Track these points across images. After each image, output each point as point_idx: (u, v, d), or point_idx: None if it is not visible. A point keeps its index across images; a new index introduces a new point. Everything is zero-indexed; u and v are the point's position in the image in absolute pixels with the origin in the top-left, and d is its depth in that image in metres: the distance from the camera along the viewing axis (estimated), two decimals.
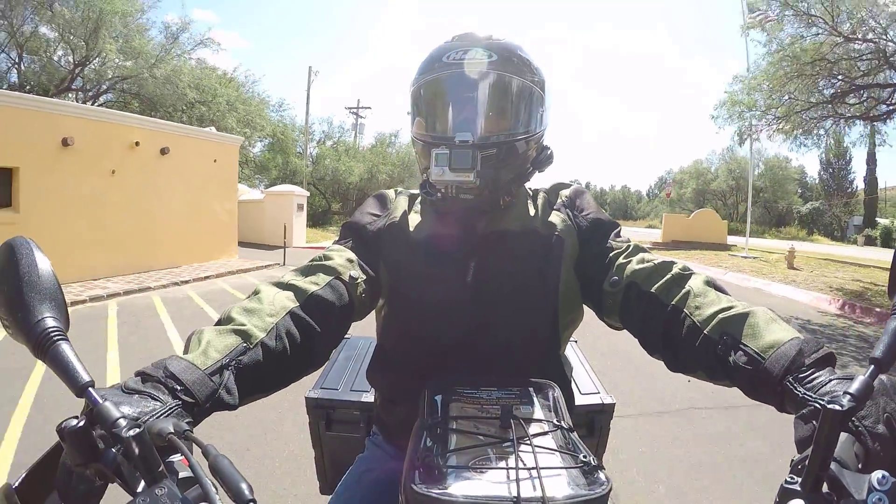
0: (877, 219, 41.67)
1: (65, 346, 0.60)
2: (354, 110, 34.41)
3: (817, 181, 50.02)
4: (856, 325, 8.41)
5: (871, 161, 42.03)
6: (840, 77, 9.52)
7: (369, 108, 44.78)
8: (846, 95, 9.88)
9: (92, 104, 16.48)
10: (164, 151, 11.15)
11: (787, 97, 9.98)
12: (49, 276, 0.63)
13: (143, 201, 10.73)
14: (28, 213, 8.73)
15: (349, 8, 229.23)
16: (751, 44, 10.51)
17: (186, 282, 10.19)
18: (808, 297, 10.51)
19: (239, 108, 19.01)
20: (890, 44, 8.89)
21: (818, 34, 9.09)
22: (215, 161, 12.83)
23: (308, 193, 20.53)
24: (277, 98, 45.69)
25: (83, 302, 8.01)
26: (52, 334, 0.60)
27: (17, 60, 17.13)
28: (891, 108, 10.12)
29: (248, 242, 16.54)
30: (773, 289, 11.50)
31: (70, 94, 17.41)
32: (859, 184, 46.23)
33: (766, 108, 10.20)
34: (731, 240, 23.48)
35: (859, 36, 8.56)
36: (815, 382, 0.67)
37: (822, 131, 11.39)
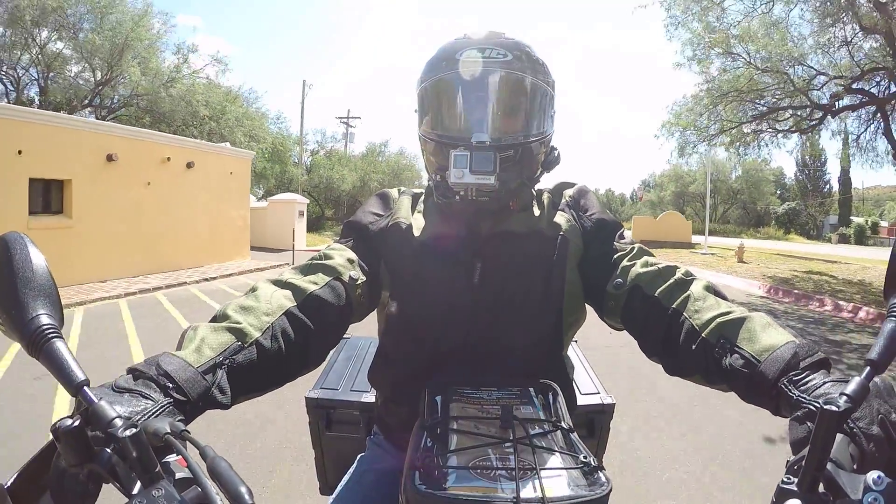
0: (851, 217, 43.57)
1: (59, 344, 0.58)
2: (345, 120, 35.75)
3: (794, 182, 51.72)
4: (772, 303, 10.34)
5: (846, 162, 43.43)
6: (765, 100, 11.40)
7: (359, 118, 46.18)
8: (765, 116, 11.76)
9: (105, 119, 18.04)
10: (189, 165, 12.74)
11: (717, 118, 11.88)
12: (44, 273, 0.62)
13: (173, 209, 12.29)
14: (79, 219, 10.23)
15: (342, 9, 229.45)
16: (690, 72, 12.23)
17: (214, 278, 11.78)
18: (743, 283, 12.37)
19: (245, 123, 20.62)
20: (801, 68, 10.83)
21: (739, 67, 10.96)
22: (231, 173, 14.47)
23: (308, 201, 22.12)
24: (275, 111, 47.67)
25: (133, 294, 9.53)
26: (47, 332, 0.58)
27: (37, 77, 18.57)
28: (813, 122, 11.98)
29: (254, 246, 18.03)
30: (715, 279, 13.20)
31: (85, 111, 18.90)
32: (835, 184, 48.04)
33: (699, 128, 12.06)
34: (699, 239, 25.36)
35: (773, 69, 10.39)
36: (809, 385, 0.68)
37: (761, 142, 13.24)
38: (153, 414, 0.62)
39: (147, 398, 0.64)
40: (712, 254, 19.15)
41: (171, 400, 0.66)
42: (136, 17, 17.02)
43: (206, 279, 11.55)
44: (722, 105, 11.43)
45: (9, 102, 17.15)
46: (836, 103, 11.16)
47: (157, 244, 11.85)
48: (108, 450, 0.54)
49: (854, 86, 10.97)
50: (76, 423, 0.53)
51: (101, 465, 0.54)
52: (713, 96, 11.36)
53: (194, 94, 18.25)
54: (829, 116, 11.57)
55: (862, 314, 8.83)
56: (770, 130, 12.68)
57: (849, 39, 10.43)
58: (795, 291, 10.76)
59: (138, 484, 0.53)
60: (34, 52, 17.50)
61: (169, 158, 12.15)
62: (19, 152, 9.12)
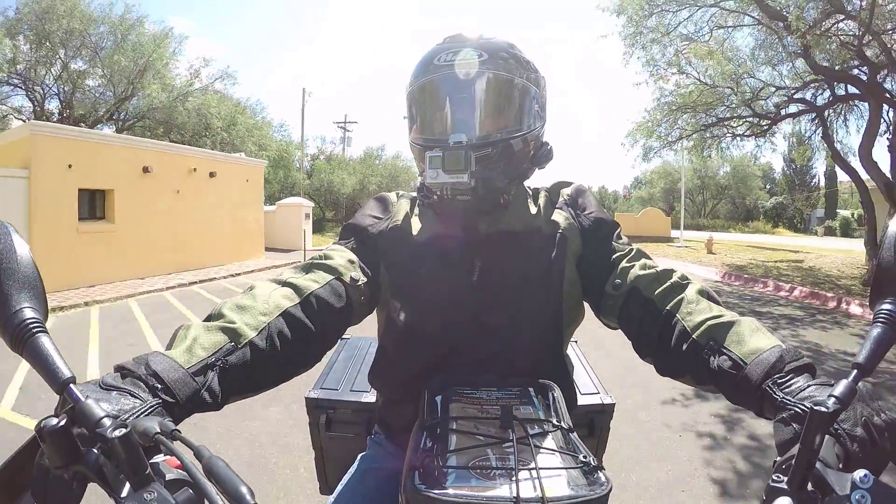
0: (837, 210, 44.91)
1: (44, 339, 0.56)
2: (342, 125, 37.38)
3: (781, 177, 52.99)
4: (723, 285, 12.01)
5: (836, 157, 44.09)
6: (716, 111, 13.05)
7: (356, 122, 48.09)
8: (716, 125, 13.38)
9: (121, 130, 19.59)
10: (212, 174, 14.25)
11: (675, 126, 13.54)
12: (28, 264, 0.60)
13: (199, 213, 13.80)
14: (120, 224, 11.67)
15: (342, 8, 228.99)
16: (648, 89, 13.87)
17: (238, 274, 13.29)
18: (704, 270, 14.01)
19: (255, 133, 22.15)
20: (751, 81, 12.46)
21: (690, 85, 12.60)
22: (247, 181, 16.02)
23: (313, 204, 23.59)
24: (279, 120, 49.59)
25: (173, 287, 11.05)
26: (31, 326, 0.56)
27: (57, 92, 20.02)
28: (765, 128, 13.56)
29: (265, 247, 19.53)
30: (682, 267, 14.80)
31: (102, 124, 20.40)
32: (822, 179, 49.19)
33: (660, 136, 13.68)
34: (688, 234, 27.03)
35: (720, 85, 12.02)
36: (793, 387, 0.70)
37: (722, 145, 14.83)
38: (140, 413, 0.60)
39: (135, 397, 0.63)
40: (686, 246, 21.00)
41: (160, 401, 0.65)
42: (157, 39, 18.56)
43: (232, 275, 13.08)
44: (678, 115, 13.12)
45: (34, 116, 18.71)
46: (781, 111, 12.78)
47: (186, 245, 13.34)
48: (95, 450, 0.52)
49: (797, 95, 12.57)
50: (62, 422, 0.51)
51: (87, 466, 0.52)
52: (670, 109, 13.01)
53: (208, 108, 19.77)
54: (776, 123, 13.20)
55: (796, 293, 10.47)
56: (729, 135, 14.27)
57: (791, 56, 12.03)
58: (745, 276, 12.43)
59: (127, 486, 0.51)
60: (57, 70, 18.97)
61: (195, 169, 13.66)
62: (70, 166, 10.51)
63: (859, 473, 0.52)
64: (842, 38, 9.26)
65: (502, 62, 1.03)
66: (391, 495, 1.05)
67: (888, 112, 11.12)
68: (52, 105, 20.73)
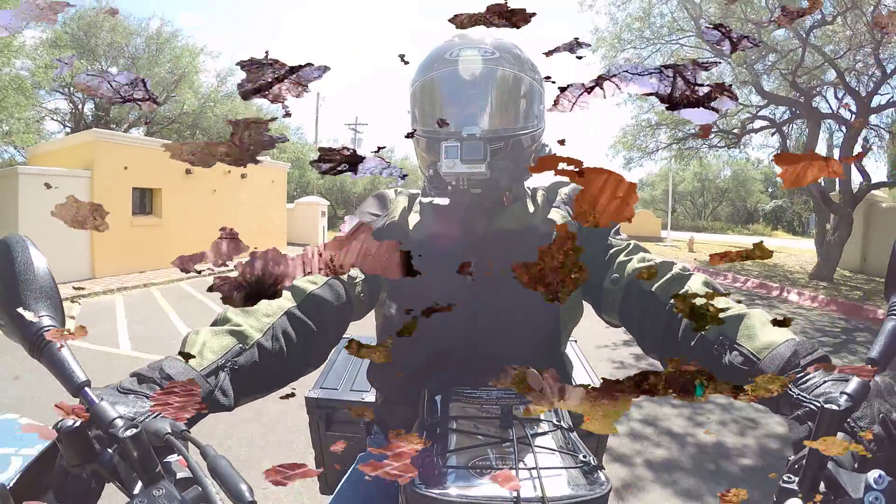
0: None
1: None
2: (353, 126, 38.80)
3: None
4: None
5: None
6: (688, 127, 14.75)
7: (366, 124, 49.53)
8: (688, 138, 15.09)
9: (153, 132, 21.43)
10: (243, 176, 15.95)
11: (654, 139, 15.31)
12: (45, 274, 0.63)
13: (232, 210, 15.44)
14: (166, 219, 13.35)
15: (343, 7, 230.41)
16: (627, 108, 15.73)
17: None
18: None
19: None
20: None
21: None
22: (273, 182, 17.82)
23: (328, 203, 25.24)
24: (295, 124, 51.51)
25: (214, 274, 12.74)
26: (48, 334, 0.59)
27: (92, 97, 21.67)
28: (734, 140, 15.26)
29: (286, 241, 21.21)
30: None
31: (134, 127, 22.22)
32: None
33: (640, 147, 15.41)
34: (678, 235, 28.71)
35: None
36: (809, 383, 0.67)
37: (700, 154, 16.54)
38: (156, 415, 0.62)
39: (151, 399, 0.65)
40: (673, 246, 22.83)
41: None
42: (192, 52, 20.46)
43: None
44: (655, 130, 14.88)
45: (72, 118, 20.59)
46: (746, 127, 14.49)
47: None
48: (110, 450, 0.56)
49: (760, 113, 14.27)
50: (77, 423, 0.54)
51: (102, 465, 0.56)
52: (649, 124, 14.74)
53: (235, 113, 21.56)
54: (742, 137, 14.93)
55: (749, 284, 12.19)
56: (705, 146, 15.99)
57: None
58: (711, 270, 14.06)
59: (139, 484, 0.54)
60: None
61: (229, 171, 15.28)
62: (125, 168, 12.09)
63: (874, 474, 0.51)
64: (781, 70, 10.96)
65: (513, 61, 1.05)
66: (391, 495, 1.05)
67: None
68: (87, 108, 22.52)
